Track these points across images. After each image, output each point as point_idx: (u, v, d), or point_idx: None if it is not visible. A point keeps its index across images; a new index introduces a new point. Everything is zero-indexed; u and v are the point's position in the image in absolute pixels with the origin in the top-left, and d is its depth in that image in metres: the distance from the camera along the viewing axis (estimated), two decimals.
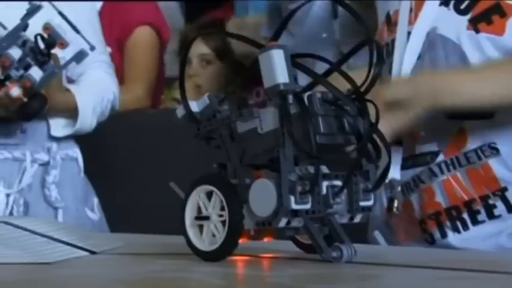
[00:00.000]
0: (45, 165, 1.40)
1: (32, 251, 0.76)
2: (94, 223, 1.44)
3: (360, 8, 1.15)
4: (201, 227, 0.75)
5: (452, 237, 1.03)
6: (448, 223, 1.04)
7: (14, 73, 1.29)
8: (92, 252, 0.81)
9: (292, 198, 0.70)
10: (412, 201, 1.06)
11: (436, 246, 1.04)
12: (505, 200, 1.02)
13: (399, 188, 1.04)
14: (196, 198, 0.75)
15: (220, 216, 0.74)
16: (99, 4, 1.86)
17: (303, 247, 0.78)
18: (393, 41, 1.06)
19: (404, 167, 1.05)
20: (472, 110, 0.98)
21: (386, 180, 0.99)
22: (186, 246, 0.76)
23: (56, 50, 1.31)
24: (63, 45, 1.30)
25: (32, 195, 1.39)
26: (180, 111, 0.77)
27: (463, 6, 1.02)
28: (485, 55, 1.01)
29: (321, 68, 0.76)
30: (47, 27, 1.29)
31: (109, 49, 1.86)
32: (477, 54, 1.01)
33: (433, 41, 1.03)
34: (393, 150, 0.88)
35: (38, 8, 1.31)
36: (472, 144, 1.02)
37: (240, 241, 0.74)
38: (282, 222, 0.71)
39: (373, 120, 0.72)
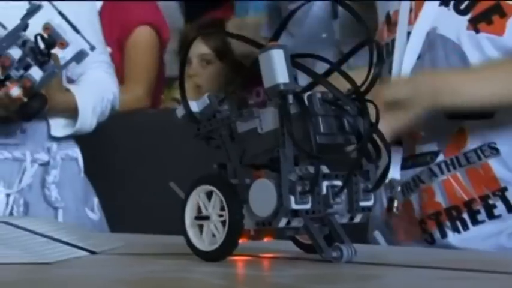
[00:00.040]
0: (45, 165, 1.40)
1: (32, 251, 0.76)
2: (94, 223, 1.44)
3: (361, 8, 1.15)
4: (201, 227, 0.75)
5: (452, 237, 1.03)
6: (448, 223, 1.04)
7: (14, 73, 1.29)
8: (92, 252, 0.81)
9: (292, 198, 0.70)
10: (412, 201, 1.06)
11: (436, 246, 1.04)
12: (505, 200, 1.02)
13: (399, 188, 1.04)
14: (196, 198, 0.75)
15: (220, 216, 0.74)
16: (99, 4, 1.86)
17: (303, 247, 0.78)
18: (393, 41, 1.06)
19: (404, 167, 1.05)
20: (472, 109, 0.98)
21: (386, 180, 0.99)
22: (187, 246, 0.76)
23: (56, 50, 1.31)
24: (63, 45, 1.30)
25: (32, 195, 1.39)
26: (180, 111, 0.77)
27: (463, 6, 1.02)
28: (485, 55, 1.01)
29: (321, 68, 0.76)
30: (47, 27, 1.29)
31: (109, 49, 1.86)
32: (477, 54, 1.01)
33: (433, 41, 1.03)
34: (393, 150, 0.88)
35: (38, 8, 1.31)
36: (472, 144, 1.02)
37: (240, 241, 0.74)
38: (282, 222, 0.71)
39: (373, 120, 0.72)
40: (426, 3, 1.04)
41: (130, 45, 1.89)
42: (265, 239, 0.76)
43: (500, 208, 1.02)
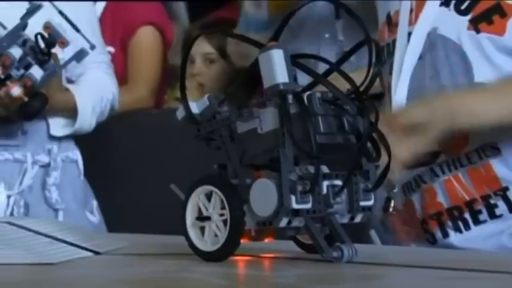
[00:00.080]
0: (46, 166, 1.40)
1: (36, 252, 0.77)
2: (94, 226, 1.43)
3: (363, 8, 1.16)
4: (202, 228, 0.76)
5: (454, 237, 1.03)
6: (449, 223, 1.04)
7: (14, 72, 1.29)
8: (96, 253, 0.81)
9: (293, 198, 0.71)
10: (413, 202, 1.07)
11: (437, 246, 1.04)
12: (506, 200, 1.02)
13: (397, 188, 1.04)
14: (196, 200, 0.75)
15: (221, 215, 0.74)
16: (103, 4, 1.87)
17: (303, 247, 0.78)
18: (394, 41, 1.06)
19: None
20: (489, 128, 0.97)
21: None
22: (187, 246, 0.76)
23: (56, 49, 1.31)
24: (64, 44, 1.29)
25: (32, 196, 1.39)
26: (180, 113, 0.77)
27: (463, 7, 1.02)
28: (485, 55, 1.01)
29: (322, 68, 0.77)
30: (47, 26, 1.28)
31: (112, 49, 1.86)
32: (478, 54, 1.01)
33: (434, 41, 1.03)
34: None
35: (38, 7, 1.30)
36: (473, 144, 1.03)
37: (241, 242, 0.74)
38: (283, 222, 0.72)
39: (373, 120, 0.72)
40: (427, 3, 1.04)
41: (134, 46, 1.89)
42: (266, 240, 0.77)
43: (501, 208, 1.02)
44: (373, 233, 1.06)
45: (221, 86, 1.89)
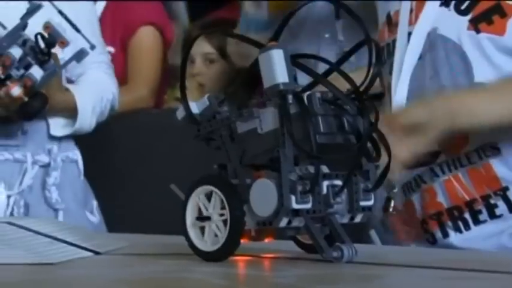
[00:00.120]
0: (46, 166, 1.40)
1: (36, 252, 0.77)
2: (94, 226, 1.43)
3: (364, 8, 1.16)
4: (202, 228, 0.76)
5: (454, 237, 1.03)
6: (449, 223, 1.04)
7: (14, 72, 1.29)
8: (96, 253, 0.81)
9: (293, 198, 0.71)
10: (413, 202, 1.07)
11: (437, 246, 1.04)
12: (506, 200, 1.02)
13: (397, 189, 1.05)
14: (196, 200, 0.75)
15: (221, 215, 0.74)
16: (103, 4, 1.87)
17: (303, 247, 0.78)
18: (394, 41, 1.06)
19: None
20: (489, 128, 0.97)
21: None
22: (187, 246, 0.76)
23: (56, 49, 1.31)
24: (64, 44, 1.29)
25: (32, 196, 1.39)
26: (180, 113, 0.77)
27: (463, 7, 1.02)
28: (485, 55, 1.01)
29: (322, 68, 0.77)
30: (47, 26, 1.28)
31: (112, 49, 1.86)
32: (478, 54, 1.01)
33: (434, 41, 1.03)
34: None
35: (38, 7, 1.30)
36: (473, 144, 1.03)
37: (241, 242, 0.74)
38: (283, 222, 0.72)
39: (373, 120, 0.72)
40: (427, 3, 1.04)
41: (134, 46, 1.89)
42: (266, 240, 0.77)
43: (501, 208, 1.02)
44: (373, 233, 1.06)
45: (221, 86, 1.89)
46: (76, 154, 1.44)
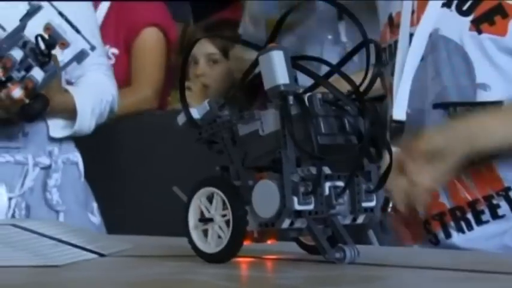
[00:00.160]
0: (47, 168, 1.40)
1: (41, 254, 0.77)
2: (95, 227, 1.43)
3: (368, 8, 1.16)
4: (205, 230, 0.76)
5: (456, 238, 1.03)
6: (452, 223, 1.04)
7: (15, 74, 1.28)
8: (101, 255, 0.81)
9: (295, 199, 0.71)
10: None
11: (440, 246, 1.04)
12: (508, 200, 1.02)
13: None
14: (197, 203, 0.76)
15: (224, 216, 0.74)
16: (107, 4, 1.87)
17: (306, 248, 0.78)
18: (396, 42, 1.06)
19: None
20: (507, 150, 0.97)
21: None
22: (191, 248, 0.76)
23: (57, 50, 1.30)
24: (64, 45, 1.29)
25: (33, 198, 1.39)
26: (181, 119, 0.77)
27: (465, 8, 1.02)
28: (487, 56, 1.01)
29: (325, 69, 0.77)
30: (48, 27, 1.28)
31: (116, 50, 1.86)
32: (479, 54, 1.01)
33: (436, 42, 1.03)
34: None
35: (38, 8, 1.30)
36: None
37: (244, 243, 0.74)
38: (285, 223, 0.72)
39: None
40: (429, 4, 1.04)
41: (138, 47, 1.89)
42: (269, 241, 0.77)
43: (504, 208, 1.02)
44: (370, 233, 1.06)
45: (225, 87, 1.89)
46: (76, 156, 1.44)
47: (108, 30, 1.83)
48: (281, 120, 0.72)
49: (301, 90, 0.74)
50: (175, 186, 0.78)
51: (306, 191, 0.71)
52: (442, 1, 1.04)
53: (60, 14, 1.34)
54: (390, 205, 1.02)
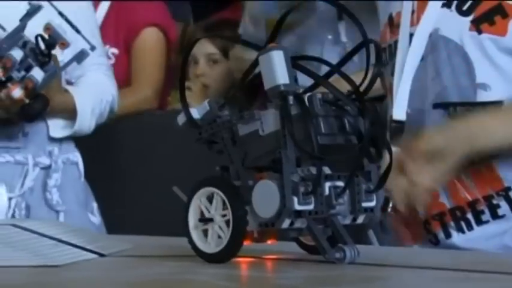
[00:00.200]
0: (47, 168, 1.40)
1: (41, 254, 0.77)
2: (96, 227, 1.43)
3: (370, 8, 1.16)
4: (205, 230, 0.76)
5: (456, 238, 1.03)
6: (452, 223, 1.04)
7: (15, 74, 1.28)
8: (101, 255, 0.81)
9: (295, 199, 0.71)
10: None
11: (440, 246, 1.04)
12: (508, 200, 1.02)
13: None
14: (197, 203, 0.76)
15: (224, 216, 0.74)
16: (107, 4, 1.87)
17: (306, 248, 0.78)
18: (396, 42, 1.06)
19: None
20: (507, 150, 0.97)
21: None
22: (191, 248, 0.76)
23: (56, 50, 1.30)
24: (64, 45, 1.29)
25: (33, 198, 1.39)
26: (180, 119, 0.77)
27: (465, 8, 1.03)
28: (487, 56, 1.01)
29: (326, 69, 0.77)
30: (48, 27, 1.28)
31: (116, 50, 1.86)
32: (479, 54, 1.01)
33: (436, 42, 1.04)
34: None
35: (38, 8, 1.30)
36: None
37: (244, 243, 0.74)
38: (285, 223, 0.72)
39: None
40: (429, 4, 1.04)
41: (138, 47, 1.89)
42: (269, 241, 0.77)
43: (504, 208, 1.02)
44: (370, 233, 1.06)
45: (225, 87, 1.89)
46: (76, 156, 1.44)
47: (108, 30, 1.83)
48: (281, 120, 0.72)
49: (301, 90, 0.74)
50: (175, 186, 0.78)
51: (306, 191, 0.71)
52: (442, 1, 1.04)
53: (60, 14, 1.34)
54: (390, 205, 1.02)
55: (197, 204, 0.76)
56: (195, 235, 0.76)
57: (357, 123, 0.73)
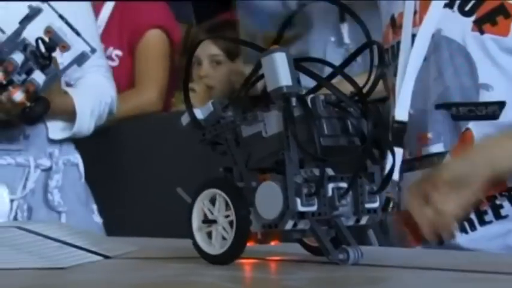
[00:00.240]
0: (48, 170, 1.40)
1: (46, 256, 0.78)
2: (99, 227, 1.44)
3: (374, 8, 1.15)
4: (208, 232, 0.76)
5: (459, 238, 1.03)
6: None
7: (16, 77, 1.28)
8: (106, 257, 0.81)
9: (299, 201, 0.71)
10: None
11: (443, 247, 1.04)
12: (511, 200, 1.02)
13: (397, 189, 1.05)
14: (200, 205, 0.76)
15: (227, 217, 0.74)
16: (111, 5, 1.87)
17: (310, 250, 0.79)
18: (398, 43, 1.06)
19: (411, 168, 1.06)
20: None
21: None
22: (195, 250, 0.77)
23: (56, 52, 1.30)
24: (65, 48, 1.29)
25: (35, 200, 1.39)
26: (184, 119, 0.78)
27: (467, 8, 1.03)
28: (490, 56, 1.01)
29: (328, 71, 0.77)
30: (48, 30, 1.28)
31: (120, 53, 1.87)
32: (482, 55, 1.01)
33: (438, 42, 1.04)
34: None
35: (38, 11, 1.30)
36: None
37: (248, 245, 0.75)
38: (289, 225, 0.72)
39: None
40: (431, 5, 1.04)
41: (141, 49, 1.89)
42: (272, 243, 0.77)
43: (507, 208, 1.02)
44: (370, 233, 1.06)
45: (229, 88, 1.89)
46: (77, 158, 1.44)
47: (112, 32, 1.83)
48: (284, 122, 0.72)
49: (304, 92, 0.74)
50: (179, 188, 0.78)
51: (309, 193, 0.72)
52: (445, 1, 1.04)
53: (61, 16, 1.34)
54: (391, 205, 1.02)
55: (200, 206, 0.76)
56: (199, 237, 0.76)
57: (360, 124, 0.73)
